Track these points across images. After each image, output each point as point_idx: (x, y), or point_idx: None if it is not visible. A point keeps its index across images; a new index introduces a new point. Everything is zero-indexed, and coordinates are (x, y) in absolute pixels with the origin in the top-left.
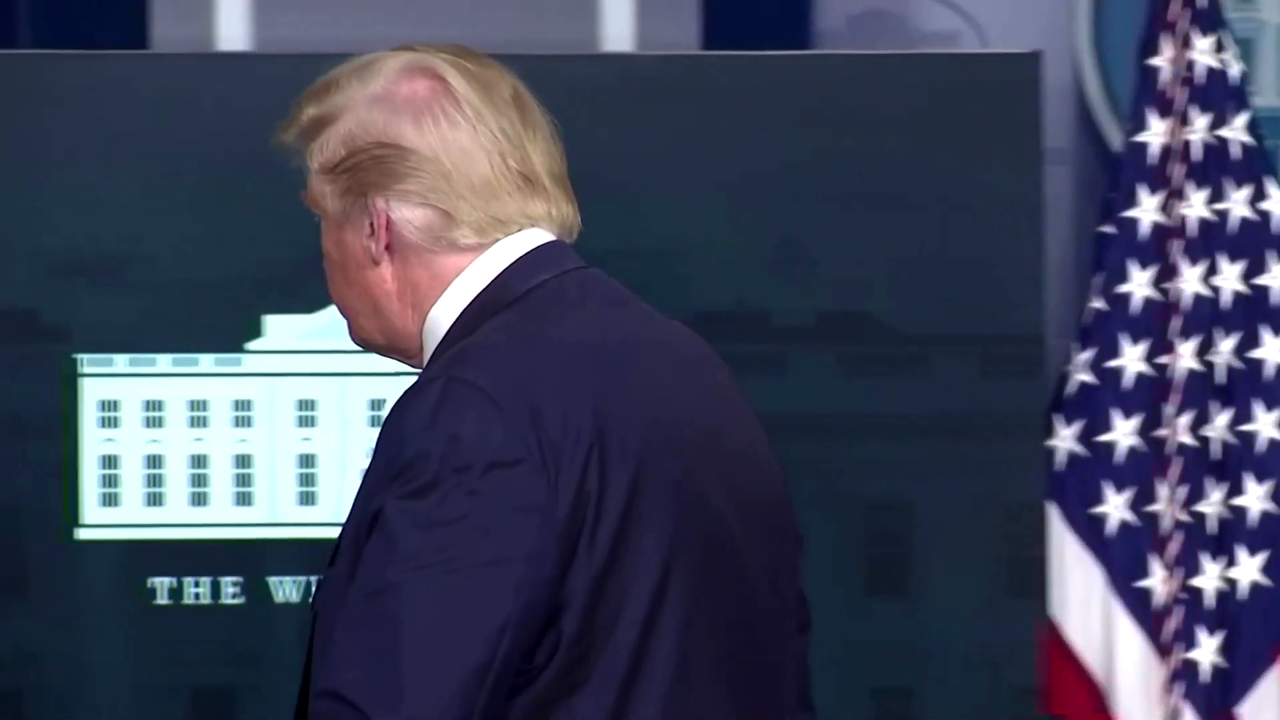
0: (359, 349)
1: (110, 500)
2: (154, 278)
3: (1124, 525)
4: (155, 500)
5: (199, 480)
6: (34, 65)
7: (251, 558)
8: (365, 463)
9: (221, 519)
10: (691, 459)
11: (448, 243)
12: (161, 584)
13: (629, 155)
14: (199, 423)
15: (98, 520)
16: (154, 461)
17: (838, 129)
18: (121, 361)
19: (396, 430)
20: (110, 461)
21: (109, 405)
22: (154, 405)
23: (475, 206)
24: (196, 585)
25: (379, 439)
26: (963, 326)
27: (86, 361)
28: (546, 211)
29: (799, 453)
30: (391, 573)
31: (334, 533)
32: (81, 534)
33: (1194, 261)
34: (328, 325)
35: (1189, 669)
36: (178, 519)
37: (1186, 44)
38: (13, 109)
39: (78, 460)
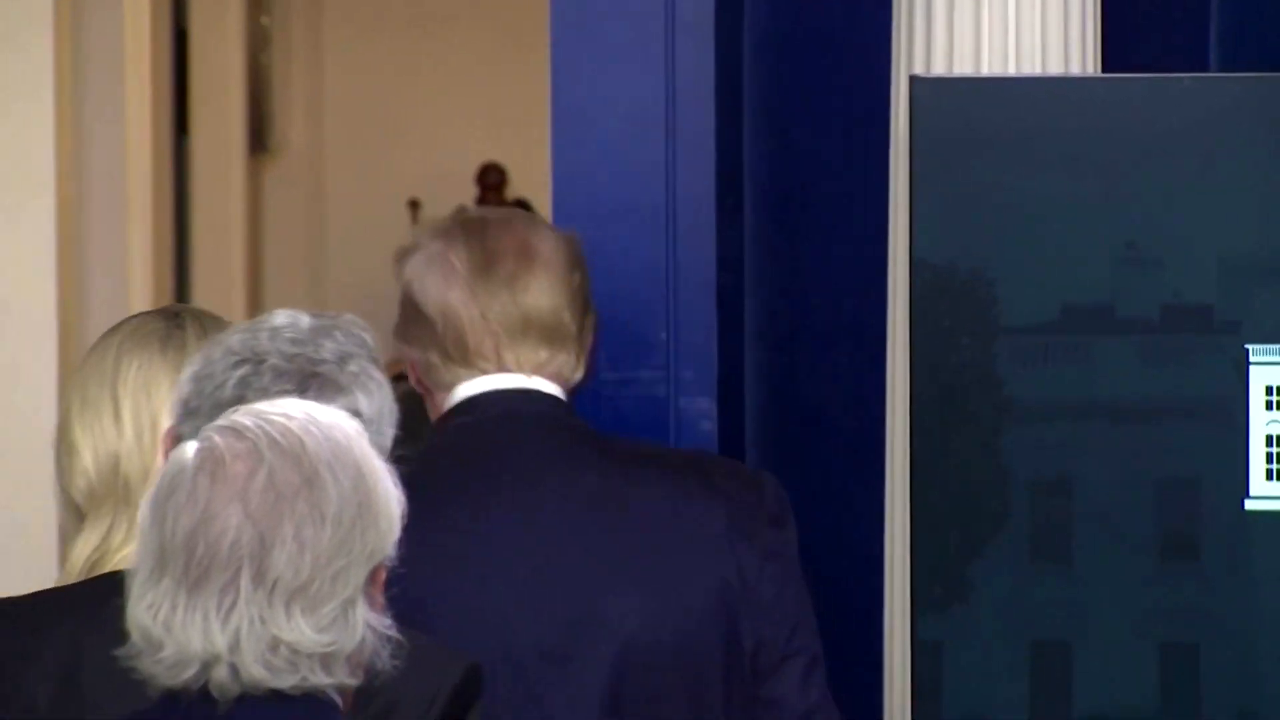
0: None
1: (1275, 475)
2: None
3: None
4: None
5: None
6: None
7: None
8: None
9: None
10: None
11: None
12: None
13: None
14: None
15: (1264, 493)
16: None
17: None
18: None
19: None
20: (1275, 440)
21: (1273, 390)
22: None
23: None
24: None
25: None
26: None
27: (1255, 351)
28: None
29: None
30: None
31: None
32: (1250, 505)
33: None
34: None
35: None
36: None
37: None
38: (1206, 131)
39: (1247, 439)
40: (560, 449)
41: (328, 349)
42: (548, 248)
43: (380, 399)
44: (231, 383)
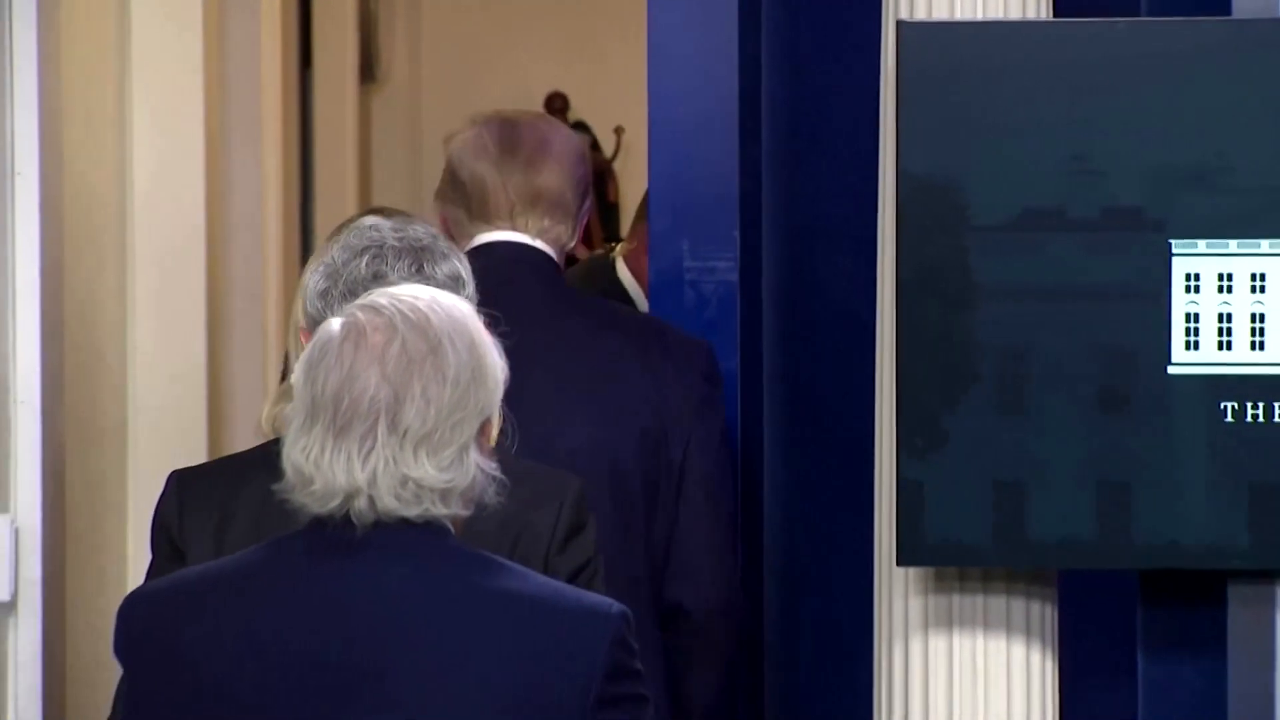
0: None
1: (1192, 345)
2: (1235, 182)
3: None
4: (1225, 346)
5: (1258, 332)
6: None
7: None
8: None
9: (1273, 360)
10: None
11: None
12: (1229, 406)
13: None
14: (1259, 290)
15: (1184, 360)
16: (1224, 318)
17: None
18: (1202, 245)
19: None
20: (1192, 318)
21: (1191, 277)
22: (1225, 277)
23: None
24: (1255, 407)
25: None
26: None
27: (1177, 245)
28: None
29: None
30: None
31: None
32: (1172, 369)
33: None
34: None
35: None
36: (1241, 360)
37: None
38: (1137, 68)
39: (1170, 316)
40: (545, 293)
41: (420, 231)
42: (560, 143)
43: (467, 263)
44: (364, 264)
